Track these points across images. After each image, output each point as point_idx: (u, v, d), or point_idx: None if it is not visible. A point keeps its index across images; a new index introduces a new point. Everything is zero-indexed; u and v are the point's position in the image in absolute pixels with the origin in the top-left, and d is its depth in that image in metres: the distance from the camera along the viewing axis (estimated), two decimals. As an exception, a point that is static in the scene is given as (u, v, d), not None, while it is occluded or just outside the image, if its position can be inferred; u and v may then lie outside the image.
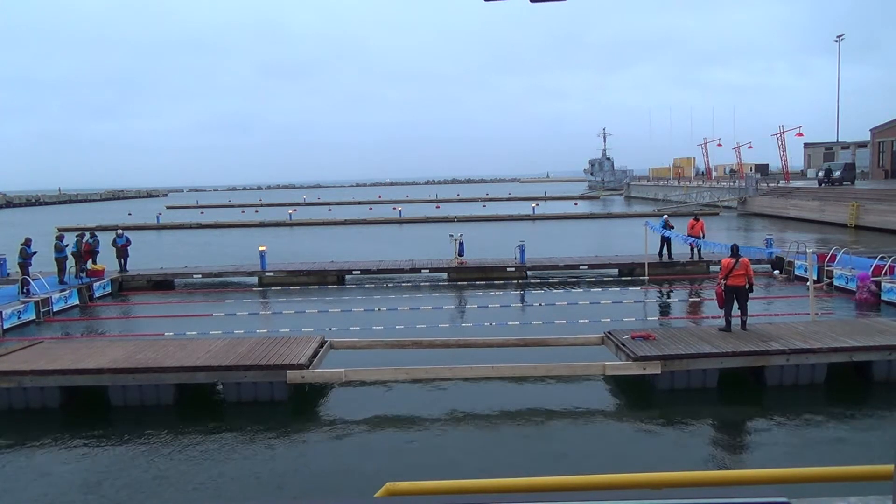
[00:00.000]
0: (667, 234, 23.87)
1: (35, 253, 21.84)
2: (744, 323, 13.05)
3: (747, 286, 13.05)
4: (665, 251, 24.88)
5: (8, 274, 24.37)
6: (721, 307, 13.35)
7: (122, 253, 24.70)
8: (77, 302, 21.19)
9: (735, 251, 13.43)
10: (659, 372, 11.50)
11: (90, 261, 23.33)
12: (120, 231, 26.51)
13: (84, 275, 22.59)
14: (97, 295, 22.37)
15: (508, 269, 24.50)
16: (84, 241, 23.38)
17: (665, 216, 26.10)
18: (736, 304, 13.12)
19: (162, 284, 24.65)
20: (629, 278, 23.84)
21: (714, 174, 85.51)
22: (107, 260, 25.01)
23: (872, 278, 18.75)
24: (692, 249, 24.70)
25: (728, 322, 13.06)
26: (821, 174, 57.15)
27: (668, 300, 20.58)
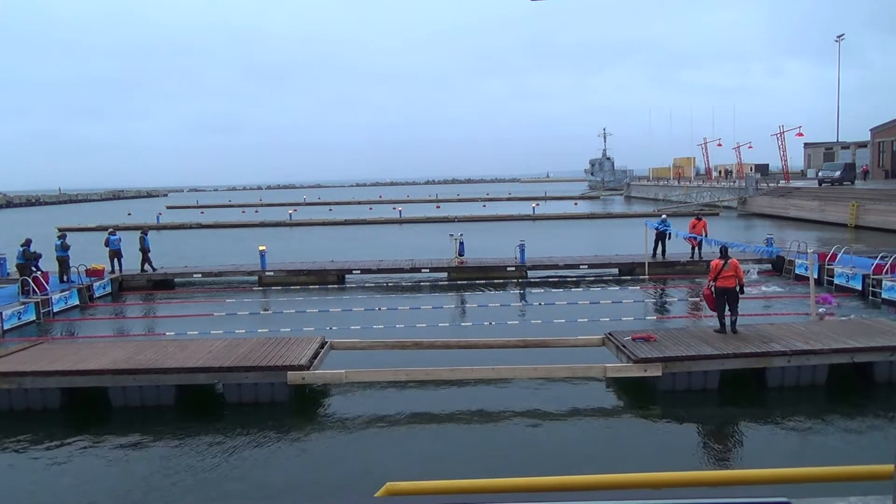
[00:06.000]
0: (661, 227, 23.79)
1: (39, 256, 21.68)
2: (733, 324, 12.95)
3: (737, 288, 13.03)
4: (660, 250, 24.72)
5: (8, 274, 24.38)
6: (712, 309, 13.33)
7: (117, 253, 24.65)
8: (77, 302, 21.16)
9: (724, 252, 13.40)
10: (660, 374, 11.49)
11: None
12: (112, 229, 26.52)
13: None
14: (97, 295, 22.36)
15: (508, 269, 24.50)
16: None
17: (663, 216, 26.08)
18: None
19: (162, 284, 24.65)
20: (629, 278, 23.83)
21: (714, 174, 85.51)
22: (102, 261, 24.98)
23: (873, 276, 18.78)
24: (692, 248, 24.69)
25: (722, 324, 13.03)
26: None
27: (668, 300, 20.57)
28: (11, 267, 23.91)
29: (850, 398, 11.43)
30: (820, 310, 16.32)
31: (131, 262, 25.74)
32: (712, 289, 13.14)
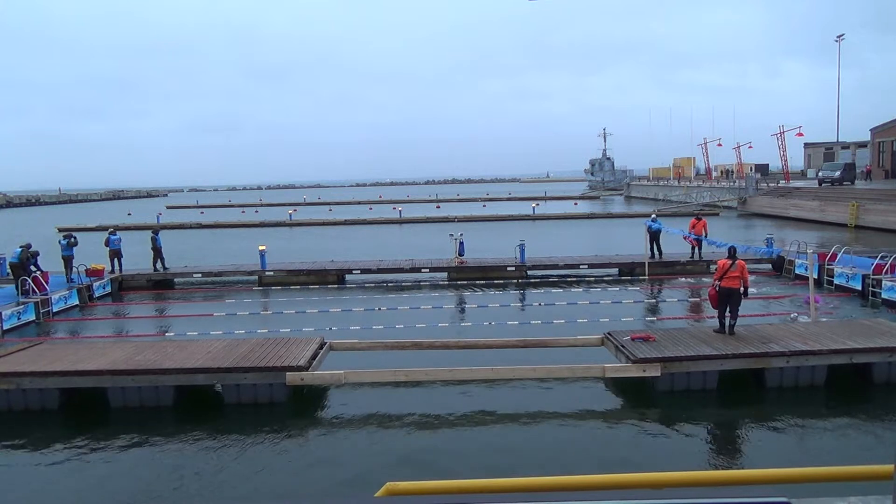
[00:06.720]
0: (653, 226, 23.73)
1: (38, 253, 21.65)
2: (731, 327, 12.90)
3: (742, 289, 13.01)
4: (656, 249, 24.65)
5: (8, 274, 24.34)
6: (715, 308, 13.33)
7: (117, 253, 24.64)
8: (77, 302, 21.15)
9: (732, 253, 13.40)
10: (659, 374, 11.48)
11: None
12: (112, 229, 26.51)
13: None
14: (97, 295, 22.35)
15: (508, 269, 24.50)
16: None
17: (653, 214, 26.04)
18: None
19: (162, 284, 24.65)
20: (629, 278, 23.83)
21: (714, 174, 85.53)
22: (102, 261, 24.96)
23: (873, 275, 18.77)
24: (693, 248, 24.69)
25: (722, 324, 13.02)
26: None
27: (668, 300, 20.56)
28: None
29: (849, 399, 11.43)
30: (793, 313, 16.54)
31: (131, 263, 25.75)
32: (717, 288, 13.12)
